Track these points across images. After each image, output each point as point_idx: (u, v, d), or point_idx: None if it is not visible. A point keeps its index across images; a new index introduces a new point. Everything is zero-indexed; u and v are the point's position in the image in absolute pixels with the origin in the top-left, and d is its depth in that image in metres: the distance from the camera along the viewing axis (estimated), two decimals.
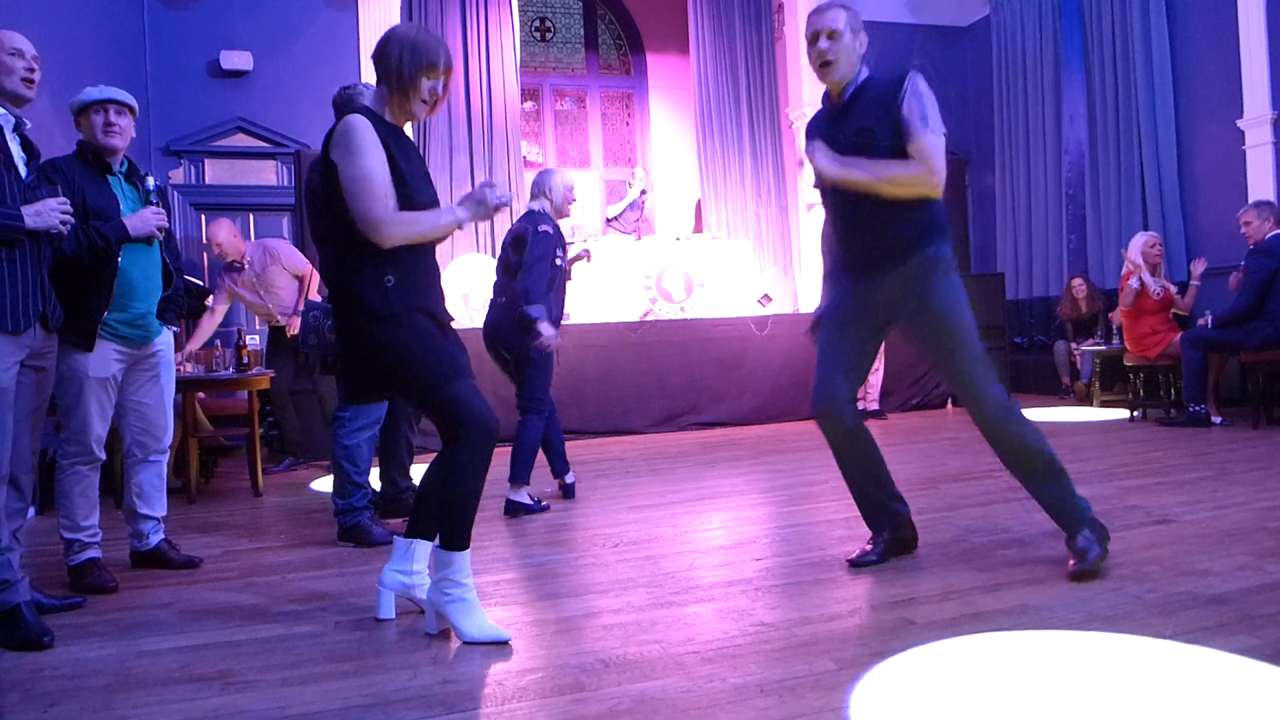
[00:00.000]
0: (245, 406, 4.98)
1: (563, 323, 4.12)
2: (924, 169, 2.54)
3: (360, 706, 1.89)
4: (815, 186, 2.78)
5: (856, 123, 2.64)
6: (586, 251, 4.81)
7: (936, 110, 2.58)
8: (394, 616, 2.47)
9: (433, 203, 2.39)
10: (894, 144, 2.58)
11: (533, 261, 3.78)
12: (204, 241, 7.59)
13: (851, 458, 2.86)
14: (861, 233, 2.70)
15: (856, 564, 2.82)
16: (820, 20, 2.65)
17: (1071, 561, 2.57)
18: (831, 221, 2.83)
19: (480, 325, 4.09)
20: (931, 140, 2.55)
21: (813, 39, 2.67)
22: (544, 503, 3.99)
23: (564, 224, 4.20)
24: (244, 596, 2.78)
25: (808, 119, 3.11)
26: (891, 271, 2.66)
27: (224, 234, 5.39)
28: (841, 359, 2.77)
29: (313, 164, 2.33)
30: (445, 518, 2.30)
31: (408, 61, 2.28)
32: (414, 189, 2.31)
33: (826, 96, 2.77)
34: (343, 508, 3.39)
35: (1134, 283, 5.95)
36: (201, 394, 4.99)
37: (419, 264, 2.34)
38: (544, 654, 2.16)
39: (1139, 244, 6.11)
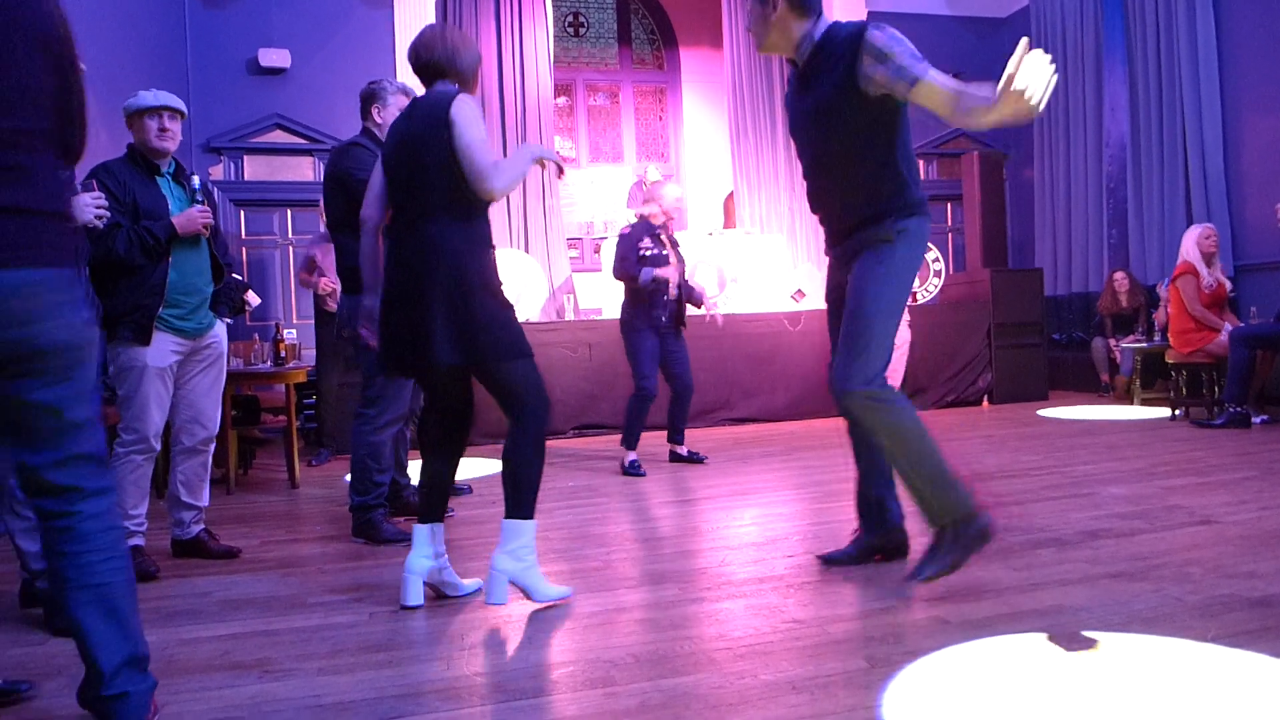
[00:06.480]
0: (282, 399, 5.05)
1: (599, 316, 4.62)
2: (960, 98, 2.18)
3: (394, 697, 1.91)
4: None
5: (817, 94, 2.48)
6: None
7: (909, 43, 2.34)
8: (423, 603, 2.52)
9: None
10: (858, 120, 2.42)
11: (618, 256, 4.79)
12: (243, 236, 7.73)
13: (858, 445, 2.81)
14: (830, 208, 2.60)
15: (828, 560, 2.79)
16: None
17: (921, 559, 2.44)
18: (808, 199, 2.72)
19: (522, 317, 4.55)
20: (936, 75, 2.24)
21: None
22: (643, 469, 4.66)
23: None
24: (281, 586, 2.83)
25: None
26: (848, 243, 2.57)
27: None
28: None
29: (403, 143, 2.48)
30: (515, 489, 2.47)
31: (476, 58, 2.61)
32: None
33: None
34: (357, 504, 3.41)
35: (1224, 336, 5.66)
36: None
37: None
38: (576, 648, 2.18)
39: (1193, 236, 5.84)
